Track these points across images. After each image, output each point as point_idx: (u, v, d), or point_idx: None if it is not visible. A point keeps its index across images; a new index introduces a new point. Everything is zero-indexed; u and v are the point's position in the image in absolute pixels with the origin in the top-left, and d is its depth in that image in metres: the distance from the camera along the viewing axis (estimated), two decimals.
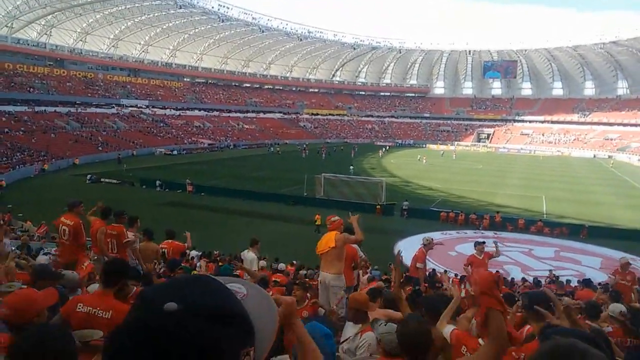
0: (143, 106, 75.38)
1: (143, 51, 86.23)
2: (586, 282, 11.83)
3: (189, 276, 0.86)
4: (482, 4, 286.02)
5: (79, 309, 3.26)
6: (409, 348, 2.66)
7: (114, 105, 70.95)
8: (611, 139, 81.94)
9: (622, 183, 46.82)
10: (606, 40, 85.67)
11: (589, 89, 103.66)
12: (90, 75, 74.29)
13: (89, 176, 37.72)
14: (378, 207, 30.38)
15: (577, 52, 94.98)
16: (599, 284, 14.07)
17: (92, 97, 69.54)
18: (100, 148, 54.61)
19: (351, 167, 46.65)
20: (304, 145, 68.80)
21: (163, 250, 8.81)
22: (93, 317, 3.20)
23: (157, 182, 36.04)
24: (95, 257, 7.34)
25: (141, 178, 37.98)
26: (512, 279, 15.74)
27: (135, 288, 4.29)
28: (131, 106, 73.19)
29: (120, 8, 71.99)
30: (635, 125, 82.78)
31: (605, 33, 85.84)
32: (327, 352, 4.07)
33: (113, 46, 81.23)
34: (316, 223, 24.33)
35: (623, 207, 33.55)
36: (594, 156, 75.60)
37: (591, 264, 20.59)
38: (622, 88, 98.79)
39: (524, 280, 15.66)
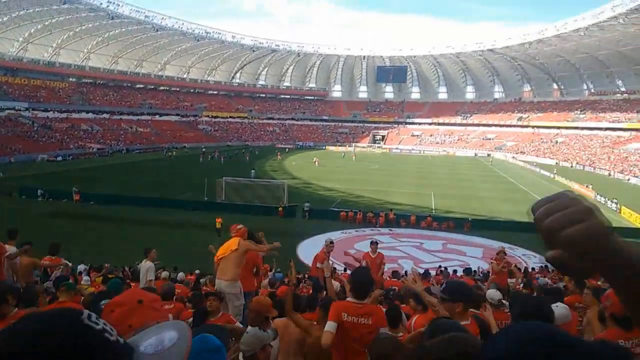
0: (22, 108, 68.49)
1: (22, 49, 78.25)
2: (467, 271, 12.97)
3: (45, 311, 0.80)
4: (376, 12, 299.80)
5: None
6: None
7: None
8: (489, 139, 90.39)
9: (500, 179, 51.83)
10: (484, 48, 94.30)
11: (470, 93, 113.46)
12: None
13: None
14: (280, 209, 30.62)
15: (459, 59, 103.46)
16: (481, 272, 15.60)
17: None
18: None
19: (252, 170, 46.42)
20: (203, 149, 66.97)
21: (44, 267, 8.17)
22: None
23: (39, 192, 32.90)
24: None
25: (20, 187, 34.50)
26: (405, 271, 16.76)
27: (16, 309, 3.97)
28: (8, 108, 66.08)
29: None
30: (510, 126, 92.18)
31: (484, 41, 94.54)
32: None
33: None
34: (217, 227, 24.02)
35: (501, 201, 37.18)
36: (475, 155, 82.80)
37: (474, 254, 22.60)
38: (498, 92, 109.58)
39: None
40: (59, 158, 55.61)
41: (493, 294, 5.47)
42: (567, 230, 0.76)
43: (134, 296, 1.38)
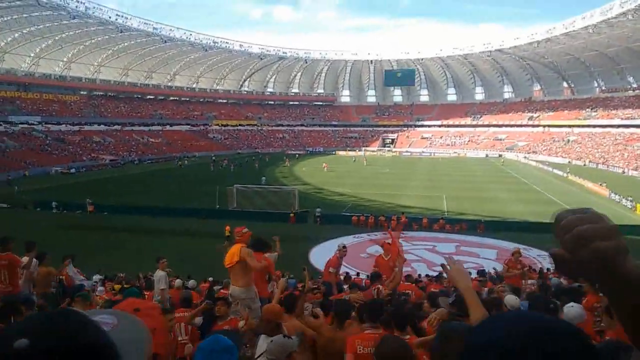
0: (35, 122, 69.61)
1: (33, 64, 79.61)
2: (480, 273, 12.88)
3: (48, 312, 0.83)
4: (382, 17, 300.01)
5: None
6: None
7: (1, 123, 64.67)
8: (500, 139, 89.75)
9: (512, 179, 51.40)
10: (492, 49, 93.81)
11: (479, 94, 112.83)
12: None
13: None
14: (291, 215, 30.67)
15: (467, 60, 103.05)
16: (496, 274, 15.44)
17: None
18: None
19: (263, 177, 46.60)
20: (213, 158, 67.37)
21: (61, 278, 8.28)
22: None
23: (54, 204, 33.38)
24: None
25: (35, 200, 34.99)
26: (419, 275, 16.67)
27: None
28: (21, 123, 67.29)
29: (5, 19, 65.88)
30: (520, 125, 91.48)
31: (491, 42, 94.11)
32: None
33: None
34: (226, 234, 24.18)
35: (514, 202, 36.86)
36: (486, 155, 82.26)
37: (488, 255, 22.39)
38: (507, 92, 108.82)
39: (427, 276, 16.64)
40: (73, 170, 56.32)
41: (512, 300, 5.33)
42: (598, 243, 0.79)
43: (131, 305, 1.42)
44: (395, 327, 3.95)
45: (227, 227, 24.31)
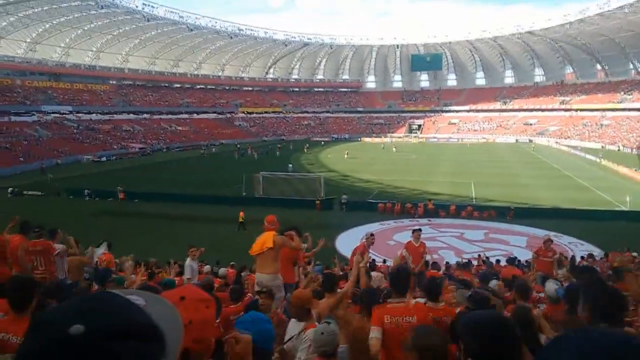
0: (67, 112, 71.40)
1: (64, 54, 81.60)
2: (510, 261, 12.66)
3: (89, 295, 0.82)
4: (408, 0, 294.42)
5: None
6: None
7: (34, 112, 66.54)
8: (531, 124, 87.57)
9: (543, 165, 50.20)
10: (522, 31, 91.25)
11: (509, 78, 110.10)
12: (7, 82, 69.02)
13: (10, 189, 35.20)
14: (317, 202, 30.74)
15: (496, 42, 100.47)
16: (526, 261, 15.17)
17: (10, 104, 64.78)
18: (21, 159, 51.07)
19: (290, 164, 46.76)
20: (237, 146, 67.71)
21: (96, 262, 8.51)
22: (5, 343, 2.99)
23: (86, 191, 34.29)
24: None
25: (68, 188, 35.98)
26: (447, 262, 16.51)
27: None
28: (54, 112, 69.07)
29: (36, 10, 67.51)
30: (552, 110, 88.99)
31: (522, 24, 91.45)
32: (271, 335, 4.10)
33: (31, 50, 76.22)
34: (240, 220, 24.64)
35: (545, 188, 36.02)
36: (516, 141, 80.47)
37: (518, 243, 22.00)
38: (538, 75, 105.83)
39: (457, 263, 16.48)
40: (103, 158, 57.66)
41: (550, 286, 5.17)
42: None
43: (180, 292, 1.40)
44: (428, 296, 3.99)
45: (242, 213, 24.89)
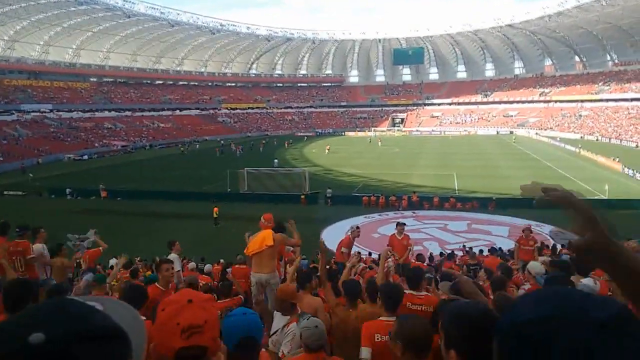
0: (47, 110, 70.21)
1: (43, 52, 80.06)
2: (492, 251, 12.89)
3: (45, 302, 0.79)
4: None
5: None
6: (411, 347, 2.45)
7: (13, 111, 65.29)
8: (511, 116, 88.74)
9: (524, 156, 50.93)
10: (502, 24, 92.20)
11: (490, 71, 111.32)
12: None
13: None
14: (302, 196, 30.81)
15: (477, 36, 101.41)
16: (508, 251, 15.46)
17: None
18: (1, 158, 50.17)
19: (275, 160, 46.71)
20: (221, 142, 67.07)
21: (78, 260, 8.46)
22: None
23: (68, 190, 33.84)
24: None
25: (49, 187, 35.49)
26: (431, 253, 16.73)
27: None
28: (33, 111, 67.85)
29: (14, 7, 66.01)
30: (532, 102, 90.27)
31: (502, 17, 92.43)
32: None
33: (9, 48, 74.63)
34: (214, 216, 24.87)
35: (526, 178, 36.45)
36: (497, 133, 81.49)
37: (500, 233, 22.36)
38: (518, 68, 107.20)
39: (441, 254, 16.72)
40: (85, 157, 56.89)
41: (536, 266, 5.33)
42: (575, 241, 0.95)
43: (185, 295, 1.45)
44: (409, 284, 4.13)
45: (216, 209, 25.16)
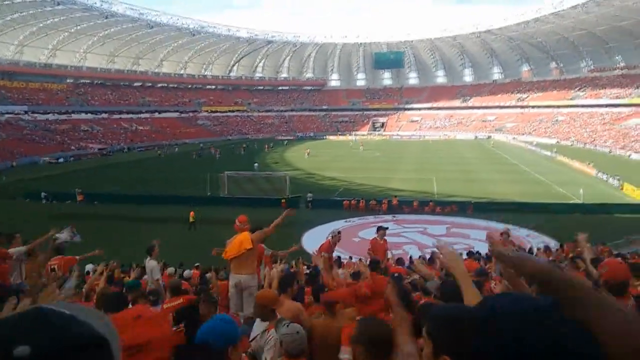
0: (21, 112, 68.65)
1: (18, 52, 78.22)
2: (470, 254, 13.07)
3: (23, 313, 0.77)
4: None
5: None
6: (370, 349, 2.42)
7: None
8: (489, 121, 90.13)
9: (502, 160, 51.77)
10: (481, 30, 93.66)
11: (469, 76, 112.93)
12: None
13: None
14: (283, 200, 30.67)
15: (456, 41, 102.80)
16: (486, 254, 15.65)
17: None
18: None
19: (256, 164, 46.52)
20: (201, 145, 66.55)
21: (53, 266, 8.27)
22: None
23: (43, 194, 33.05)
24: None
25: (24, 191, 34.64)
26: (410, 256, 16.85)
27: None
28: (7, 113, 66.23)
29: None
30: (509, 107, 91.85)
31: (480, 23, 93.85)
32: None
33: None
34: (190, 220, 24.88)
35: (504, 182, 37.15)
36: (475, 137, 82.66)
37: (478, 236, 22.55)
38: (497, 73, 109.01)
39: (420, 257, 16.83)
40: (61, 160, 55.73)
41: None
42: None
43: (135, 311, 1.40)
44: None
45: (192, 213, 25.24)
